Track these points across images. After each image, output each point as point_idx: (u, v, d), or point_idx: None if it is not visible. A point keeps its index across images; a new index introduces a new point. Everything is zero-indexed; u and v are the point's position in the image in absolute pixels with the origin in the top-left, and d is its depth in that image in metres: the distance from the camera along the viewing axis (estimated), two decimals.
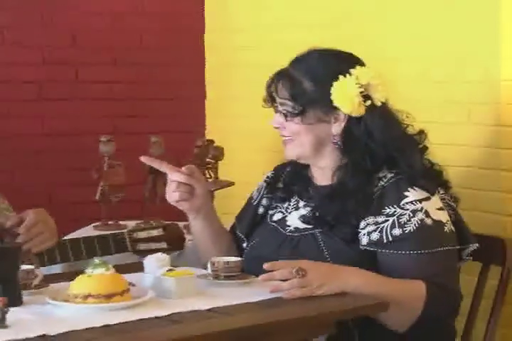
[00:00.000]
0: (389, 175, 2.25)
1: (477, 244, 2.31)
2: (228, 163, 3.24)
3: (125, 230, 2.61)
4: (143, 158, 2.34)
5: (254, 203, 2.49)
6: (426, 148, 2.33)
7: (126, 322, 1.90)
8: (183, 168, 2.30)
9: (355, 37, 3.13)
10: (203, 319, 1.97)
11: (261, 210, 2.47)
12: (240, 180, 3.12)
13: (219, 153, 3.22)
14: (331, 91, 2.23)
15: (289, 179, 2.43)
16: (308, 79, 2.26)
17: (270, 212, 2.44)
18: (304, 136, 2.28)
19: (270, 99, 2.33)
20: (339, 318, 2.09)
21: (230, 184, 3.22)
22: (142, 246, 2.56)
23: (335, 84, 2.23)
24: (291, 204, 2.40)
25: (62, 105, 3.43)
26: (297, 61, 2.32)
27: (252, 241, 2.42)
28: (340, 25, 3.22)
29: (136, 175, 3.14)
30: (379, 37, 3.14)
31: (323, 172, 2.35)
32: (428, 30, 3.03)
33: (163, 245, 2.57)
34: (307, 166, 2.39)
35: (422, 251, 2.18)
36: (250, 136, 3.50)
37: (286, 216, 2.38)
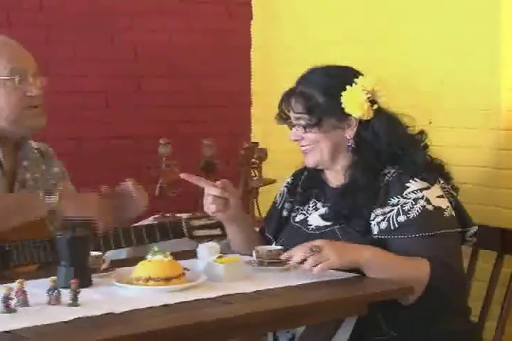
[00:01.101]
0: (392, 171, 2.25)
1: (476, 227, 2.31)
2: (271, 163, 3.24)
3: (183, 218, 2.60)
4: (183, 175, 2.36)
5: (279, 207, 2.49)
6: (427, 146, 2.33)
7: (182, 302, 1.90)
8: (218, 183, 2.31)
9: (384, 53, 3.11)
10: (250, 300, 1.97)
11: (285, 213, 2.47)
12: (281, 177, 3.11)
13: (263, 154, 3.22)
14: (342, 101, 2.23)
15: (306, 184, 2.43)
16: (318, 93, 2.26)
17: (293, 214, 2.43)
18: (322, 143, 2.28)
19: (284, 116, 2.33)
20: (370, 300, 2.08)
21: (273, 181, 3.22)
22: (198, 233, 2.55)
23: (344, 93, 2.23)
24: (311, 206, 2.39)
25: (126, 112, 3.45)
26: (304, 78, 2.32)
27: (279, 241, 2.42)
28: (373, 42, 3.20)
29: (191, 173, 3.13)
30: (404, 53, 3.12)
31: (337, 175, 2.35)
32: (447, 47, 3.02)
33: (217, 231, 2.54)
34: (322, 170, 2.39)
35: (425, 234, 2.18)
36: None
37: (307, 217, 2.38)
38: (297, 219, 2.40)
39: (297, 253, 2.09)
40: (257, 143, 3.27)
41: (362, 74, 2.28)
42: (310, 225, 2.35)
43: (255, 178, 3.19)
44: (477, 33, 2.90)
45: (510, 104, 2.84)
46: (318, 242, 2.09)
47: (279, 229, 2.46)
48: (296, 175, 2.49)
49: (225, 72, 3.65)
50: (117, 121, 3.43)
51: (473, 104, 2.93)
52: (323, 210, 2.34)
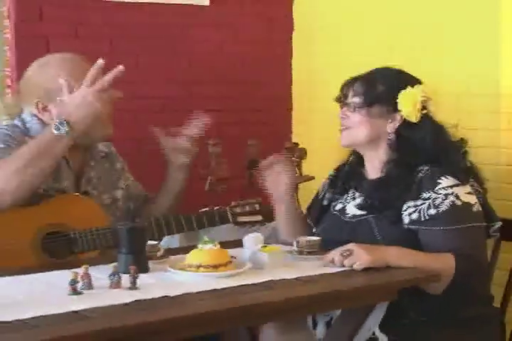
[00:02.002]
0: (426, 168, 2.23)
1: (500, 223, 2.29)
2: (310, 161, 3.23)
3: (227, 206, 2.59)
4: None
5: (320, 197, 2.50)
6: (466, 152, 2.31)
7: (229, 287, 1.92)
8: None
9: (415, 60, 3.07)
10: (290, 286, 1.97)
11: (325, 202, 2.47)
12: (319, 174, 3.10)
13: (303, 154, 3.20)
14: (398, 96, 2.24)
15: (346, 176, 2.42)
16: (381, 83, 2.28)
17: (333, 203, 2.43)
18: (363, 126, 2.28)
19: (341, 98, 2.33)
20: (399, 287, 2.07)
21: (312, 178, 3.20)
22: (241, 219, 2.54)
23: (403, 91, 2.25)
24: (349, 196, 2.39)
25: (180, 115, 3.45)
26: (374, 70, 2.33)
27: (320, 227, 2.42)
28: (403, 50, 3.17)
29: (237, 170, 3.16)
30: (435, 60, 3.09)
31: (374, 167, 2.34)
32: (471, 55, 2.98)
33: (258, 218, 2.53)
34: (362, 165, 2.38)
35: (453, 227, 2.16)
36: (327, 139, 3.46)
37: (345, 206, 2.38)
38: (336, 207, 2.40)
39: (333, 257, 2.10)
40: (297, 144, 3.26)
41: (420, 84, 2.30)
42: (347, 214, 2.34)
43: (296, 175, 3.17)
44: (502, 40, 2.87)
45: None
46: (348, 246, 2.10)
47: (319, 217, 2.46)
48: (339, 169, 2.49)
49: (268, 79, 3.64)
50: (172, 123, 3.43)
51: (495, 107, 2.89)
52: (359, 200, 2.33)
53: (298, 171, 3.19)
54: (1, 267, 2.16)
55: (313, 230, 2.46)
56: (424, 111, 2.25)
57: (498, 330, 2.35)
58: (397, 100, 2.24)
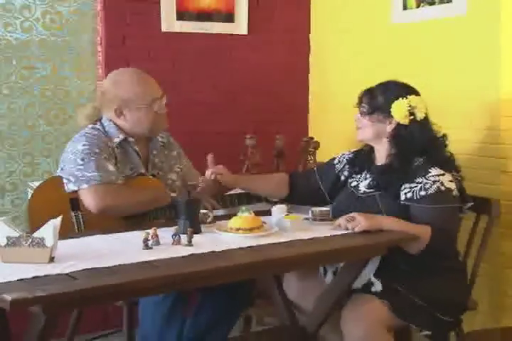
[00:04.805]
0: (420, 159, 2.21)
1: (472, 202, 2.27)
2: (322, 151, 3.20)
3: None
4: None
5: (337, 171, 2.44)
6: (446, 145, 2.28)
7: (261, 245, 1.93)
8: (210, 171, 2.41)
9: (412, 72, 3.01)
10: (307, 244, 1.98)
11: (343, 178, 2.43)
12: None
13: (317, 145, 3.18)
14: (392, 106, 2.21)
15: (362, 160, 2.39)
16: (381, 95, 2.25)
17: (349, 180, 2.40)
18: (367, 128, 2.27)
19: (359, 103, 2.30)
20: (388, 245, 2.06)
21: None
22: (271, 199, 2.54)
23: (395, 102, 2.21)
24: (362, 176, 2.36)
25: (224, 116, 3.45)
26: (380, 84, 2.29)
27: (336, 200, 2.39)
28: (398, 64, 3.08)
29: (267, 158, 3.15)
30: (427, 72, 3.01)
31: (380, 156, 2.31)
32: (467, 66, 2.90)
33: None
34: (373, 152, 2.34)
35: (436, 206, 2.14)
36: (336, 134, 3.44)
37: (358, 183, 2.36)
38: (352, 184, 2.38)
39: (339, 222, 2.11)
40: (312, 138, 3.23)
41: (416, 94, 2.25)
42: (360, 190, 2.32)
43: (311, 162, 3.16)
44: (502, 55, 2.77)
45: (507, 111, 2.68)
46: (352, 214, 2.10)
47: (333, 188, 2.43)
48: (357, 153, 2.45)
49: (291, 90, 3.61)
50: (218, 121, 3.43)
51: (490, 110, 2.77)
52: (368, 180, 2.31)
53: (313, 158, 3.17)
54: (92, 229, 2.18)
55: (328, 199, 2.42)
56: (411, 117, 2.22)
57: (465, 278, 2.35)
58: (391, 109, 2.22)
